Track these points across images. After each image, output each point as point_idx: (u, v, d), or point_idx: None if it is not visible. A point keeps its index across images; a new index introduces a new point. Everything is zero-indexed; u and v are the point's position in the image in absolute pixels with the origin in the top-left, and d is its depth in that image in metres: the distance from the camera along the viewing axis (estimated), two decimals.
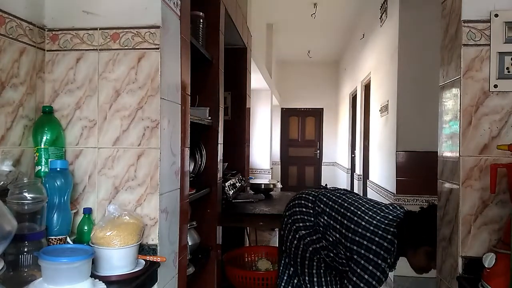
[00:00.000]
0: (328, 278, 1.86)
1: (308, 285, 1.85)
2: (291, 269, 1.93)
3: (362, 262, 1.65)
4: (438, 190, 1.66)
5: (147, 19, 1.37)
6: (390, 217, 1.71)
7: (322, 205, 1.82)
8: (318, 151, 9.66)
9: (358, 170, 6.47)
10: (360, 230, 1.68)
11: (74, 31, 1.40)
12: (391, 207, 1.80)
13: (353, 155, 7.24)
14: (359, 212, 1.72)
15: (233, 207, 2.76)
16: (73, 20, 1.40)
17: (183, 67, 1.61)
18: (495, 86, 1.39)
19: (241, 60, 3.51)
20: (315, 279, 1.85)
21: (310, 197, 1.87)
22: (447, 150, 1.56)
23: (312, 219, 1.81)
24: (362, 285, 1.64)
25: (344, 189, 2.00)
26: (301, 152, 9.65)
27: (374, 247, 1.64)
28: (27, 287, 0.99)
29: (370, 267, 1.63)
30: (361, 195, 2.94)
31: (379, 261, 1.63)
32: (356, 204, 1.77)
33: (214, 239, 2.38)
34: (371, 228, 1.67)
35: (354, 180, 6.91)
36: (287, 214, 1.91)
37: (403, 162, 3.77)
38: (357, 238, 1.67)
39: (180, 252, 1.60)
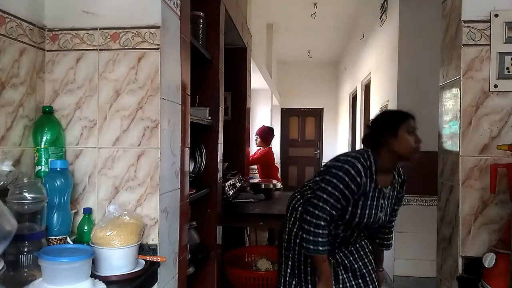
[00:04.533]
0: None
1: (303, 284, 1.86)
2: (290, 269, 1.92)
3: (330, 168, 1.64)
4: (438, 190, 1.66)
5: (147, 19, 1.37)
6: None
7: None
8: (318, 151, 9.65)
9: None
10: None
11: (74, 31, 1.40)
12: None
13: None
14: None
15: (233, 207, 2.76)
16: (73, 20, 1.40)
17: (183, 67, 1.61)
18: (495, 86, 1.39)
19: (241, 60, 3.51)
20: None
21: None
22: (447, 150, 1.56)
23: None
24: (323, 185, 1.60)
25: None
26: (301, 152, 9.64)
27: (341, 157, 1.65)
28: (27, 287, 0.99)
29: (337, 165, 1.61)
30: None
31: (348, 159, 1.60)
32: None
33: (214, 239, 2.38)
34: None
35: None
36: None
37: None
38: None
39: (180, 252, 1.60)
